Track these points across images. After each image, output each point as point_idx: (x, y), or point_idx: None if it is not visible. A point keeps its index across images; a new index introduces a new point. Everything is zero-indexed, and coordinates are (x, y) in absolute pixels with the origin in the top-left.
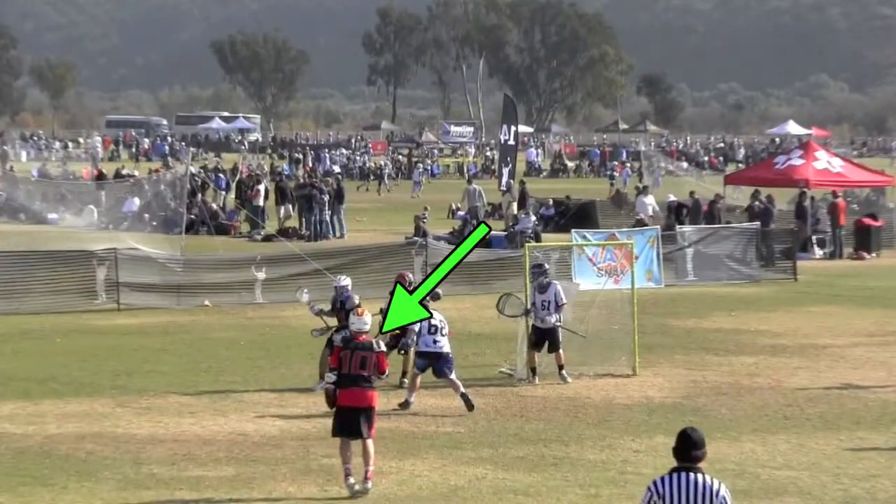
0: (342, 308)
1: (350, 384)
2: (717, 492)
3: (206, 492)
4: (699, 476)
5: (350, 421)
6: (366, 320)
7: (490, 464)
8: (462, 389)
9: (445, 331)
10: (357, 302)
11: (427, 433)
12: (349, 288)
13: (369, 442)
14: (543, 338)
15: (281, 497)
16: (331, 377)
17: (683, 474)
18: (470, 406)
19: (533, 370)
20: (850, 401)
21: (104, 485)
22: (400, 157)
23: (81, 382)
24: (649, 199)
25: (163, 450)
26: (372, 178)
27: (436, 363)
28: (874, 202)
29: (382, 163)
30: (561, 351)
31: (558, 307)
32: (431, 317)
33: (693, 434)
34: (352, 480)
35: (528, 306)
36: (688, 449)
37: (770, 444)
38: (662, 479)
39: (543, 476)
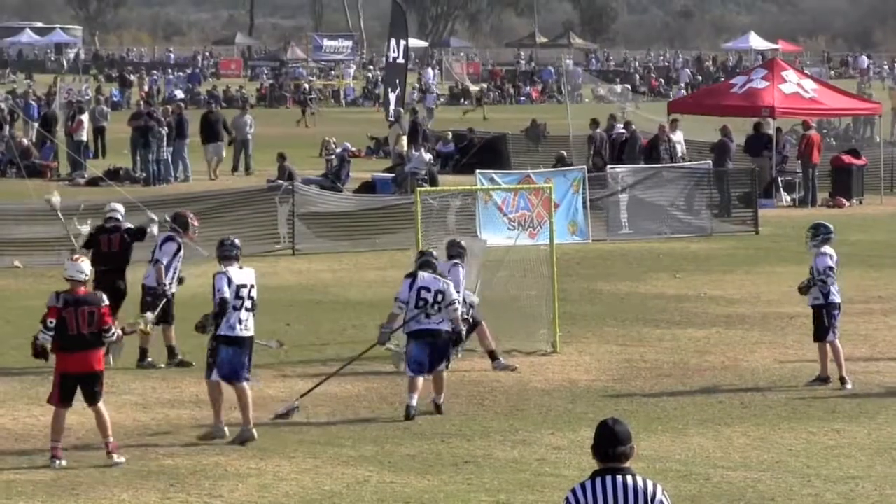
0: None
1: (78, 347)
2: (654, 497)
3: (17, 500)
4: (629, 479)
5: (74, 389)
6: (81, 267)
7: (374, 464)
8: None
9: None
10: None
11: (295, 426)
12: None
13: (101, 407)
14: None
15: None
16: (46, 337)
17: (609, 478)
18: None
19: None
20: (825, 385)
21: None
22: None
23: None
24: (678, 136)
25: None
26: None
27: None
28: (856, 135)
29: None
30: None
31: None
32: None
33: (616, 426)
34: (62, 462)
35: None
36: (610, 445)
37: (724, 439)
38: (583, 485)
39: (440, 479)
